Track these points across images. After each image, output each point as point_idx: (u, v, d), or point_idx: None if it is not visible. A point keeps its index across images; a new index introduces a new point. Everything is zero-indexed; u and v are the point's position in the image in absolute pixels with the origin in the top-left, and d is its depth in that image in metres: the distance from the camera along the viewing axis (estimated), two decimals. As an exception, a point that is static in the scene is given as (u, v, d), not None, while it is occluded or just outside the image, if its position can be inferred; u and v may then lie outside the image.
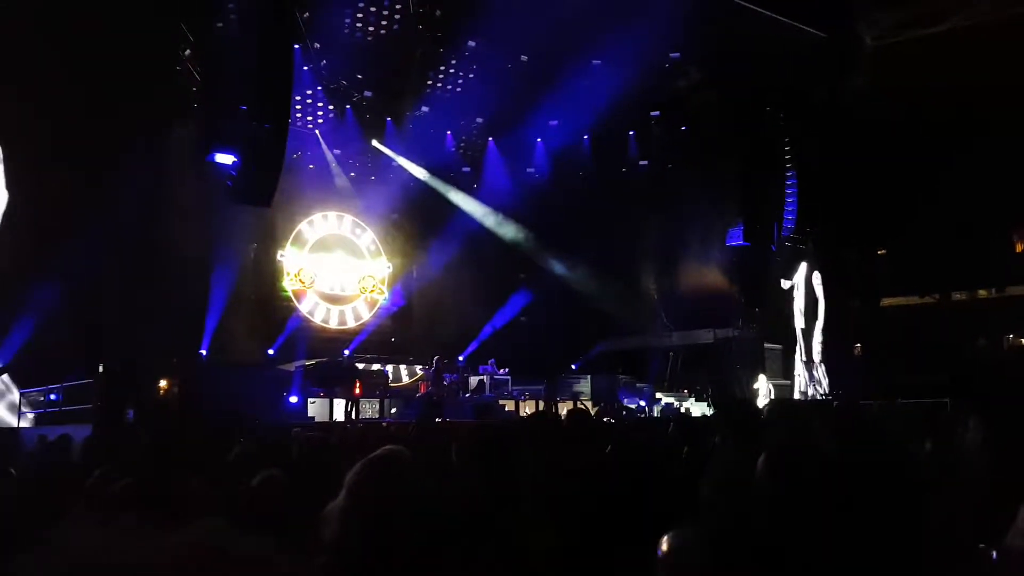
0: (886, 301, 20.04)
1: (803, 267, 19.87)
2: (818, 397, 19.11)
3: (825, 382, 19.67)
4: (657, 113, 20.87)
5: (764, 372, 18.96)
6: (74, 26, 12.49)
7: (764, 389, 18.78)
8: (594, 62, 18.59)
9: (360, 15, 17.78)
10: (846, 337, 19.97)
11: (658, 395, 19.45)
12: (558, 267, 20.86)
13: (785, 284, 19.78)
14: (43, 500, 3.48)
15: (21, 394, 12.34)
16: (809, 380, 19.64)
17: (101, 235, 12.53)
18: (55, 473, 4.21)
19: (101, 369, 9.93)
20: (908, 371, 15.14)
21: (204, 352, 15.38)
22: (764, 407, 4.45)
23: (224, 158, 16.27)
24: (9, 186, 12.60)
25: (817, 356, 19.48)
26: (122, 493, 3.02)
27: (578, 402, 17.82)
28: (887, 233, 19.22)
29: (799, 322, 19.78)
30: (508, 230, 21.63)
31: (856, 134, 17.55)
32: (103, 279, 12.38)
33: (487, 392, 18.51)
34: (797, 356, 19.75)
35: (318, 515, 2.24)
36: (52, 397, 11.81)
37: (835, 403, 18.76)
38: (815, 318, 19.84)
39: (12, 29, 11.92)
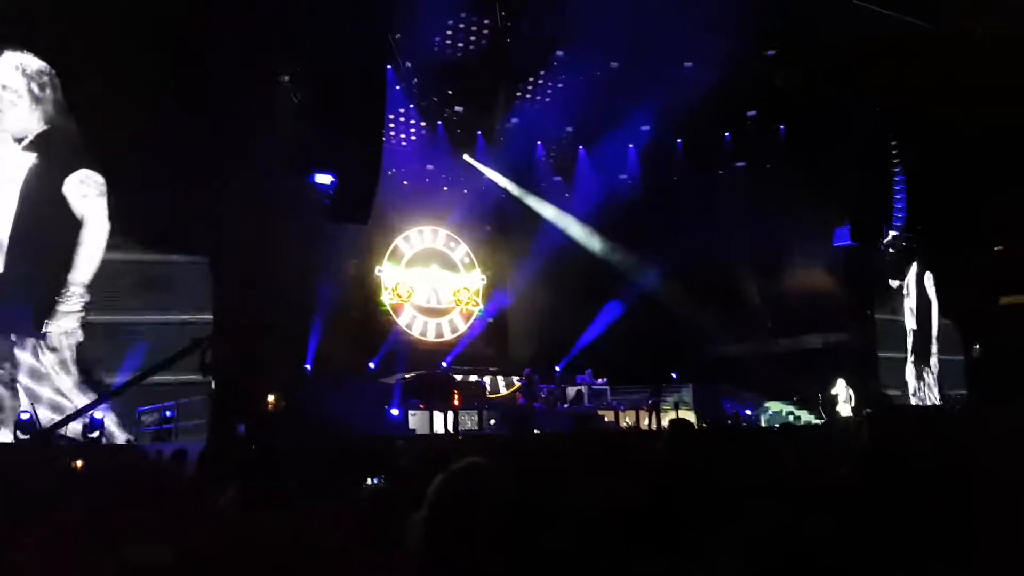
0: (1005, 300, 18.84)
1: (914, 267, 18.91)
2: (930, 402, 18.13)
3: (936, 388, 18.66)
4: (754, 113, 20.30)
5: (844, 376, 17.98)
6: (177, 59, 13.02)
7: (844, 395, 17.87)
8: (685, 64, 18.26)
9: (450, 33, 18.05)
10: (963, 338, 18.87)
11: (765, 403, 18.82)
12: (655, 274, 20.48)
13: (893, 284, 18.86)
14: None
15: (139, 411, 12.93)
16: (920, 385, 18.66)
17: (206, 255, 13.05)
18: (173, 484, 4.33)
19: (213, 386, 10.29)
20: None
21: (309, 367, 15.79)
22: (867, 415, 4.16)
23: (323, 178, 16.81)
24: (112, 215, 13.20)
25: (933, 360, 18.48)
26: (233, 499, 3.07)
27: (678, 411, 17.45)
28: (1003, 229, 18.09)
29: (910, 323, 18.82)
30: (599, 242, 21.41)
31: (966, 127, 16.61)
32: (213, 298, 12.86)
33: (585, 402, 18.33)
34: (908, 360, 18.79)
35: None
36: (167, 414, 12.32)
37: (955, 407, 17.76)
38: (928, 320, 18.84)
39: (113, 56, 12.45)
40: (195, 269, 13.47)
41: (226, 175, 13.08)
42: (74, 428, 10.72)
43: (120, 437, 11.84)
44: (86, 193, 12.74)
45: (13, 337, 11.98)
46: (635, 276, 20.85)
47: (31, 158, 12.52)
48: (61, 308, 12.31)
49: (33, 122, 12.69)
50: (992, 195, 16.91)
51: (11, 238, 12.29)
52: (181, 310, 13.21)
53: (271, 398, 11.76)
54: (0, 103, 12.40)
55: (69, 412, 10.44)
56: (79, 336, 12.27)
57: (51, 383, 12.02)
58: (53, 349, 12.10)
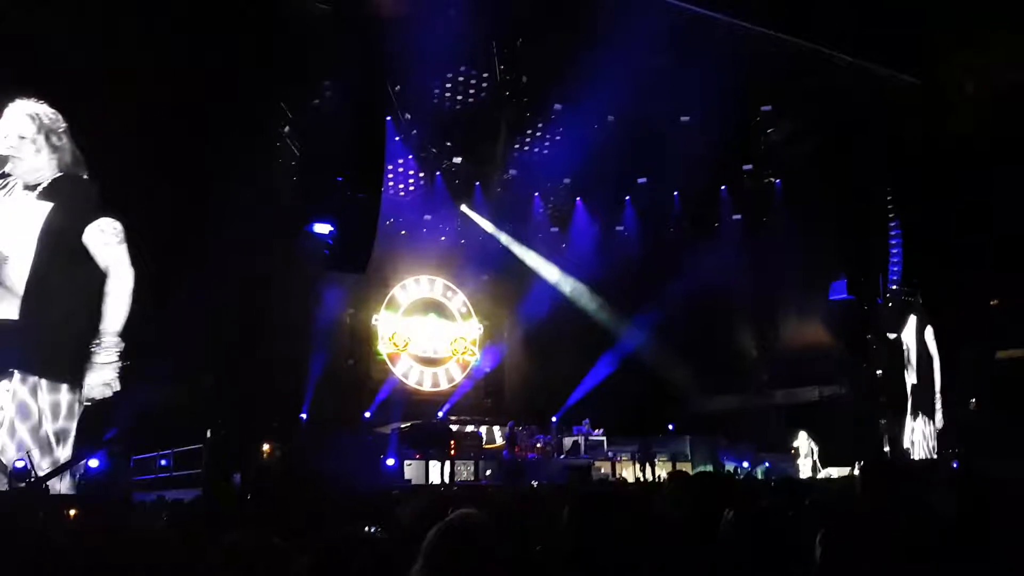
0: (1001, 354, 18.82)
1: (912, 320, 18.93)
2: (927, 455, 17.99)
3: (935, 442, 18.52)
4: (750, 167, 20.55)
5: (807, 429, 17.85)
6: (180, 107, 13.18)
7: (805, 448, 17.68)
8: (682, 119, 18.54)
9: (449, 85, 18.32)
10: (960, 391, 18.81)
11: (761, 455, 18.66)
12: (651, 326, 20.48)
13: (891, 336, 18.84)
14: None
15: (133, 460, 12.77)
16: (921, 440, 18.51)
17: (203, 305, 13.03)
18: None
19: (208, 435, 10.20)
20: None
21: (304, 415, 15.67)
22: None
23: (322, 227, 16.88)
24: (134, 261, 13.23)
25: (938, 415, 18.37)
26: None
27: (675, 464, 17.31)
28: (1000, 282, 18.17)
29: (911, 378, 18.75)
30: (593, 297, 21.42)
31: (961, 180, 16.82)
32: (208, 347, 12.79)
33: (582, 453, 18.19)
34: (908, 415, 18.66)
35: None
36: (163, 463, 12.18)
37: (952, 462, 17.61)
38: (930, 375, 18.78)
39: (120, 106, 12.61)
40: (192, 314, 13.42)
41: (225, 223, 13.13)
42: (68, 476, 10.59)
43: (114, 486, 11.65)
44: (107, 241, 12.77)
45: (34, 382, 11.89)
46: (630, 328, 20.82)
47: (47, 207, 12.59)
48: (97, 360, 12.24)
49: (47, 170, 12.80)
50: (988, 248, 17.03)
51: (28, 285, 12.27)
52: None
53: (266, 447, 11.64)
54: (16, 151, 12.50)
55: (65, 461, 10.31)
56: (117, 386, 12.21)
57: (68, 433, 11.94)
58: (90, 400, 12.03)
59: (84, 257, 12.55)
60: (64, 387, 11.78)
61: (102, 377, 11.89)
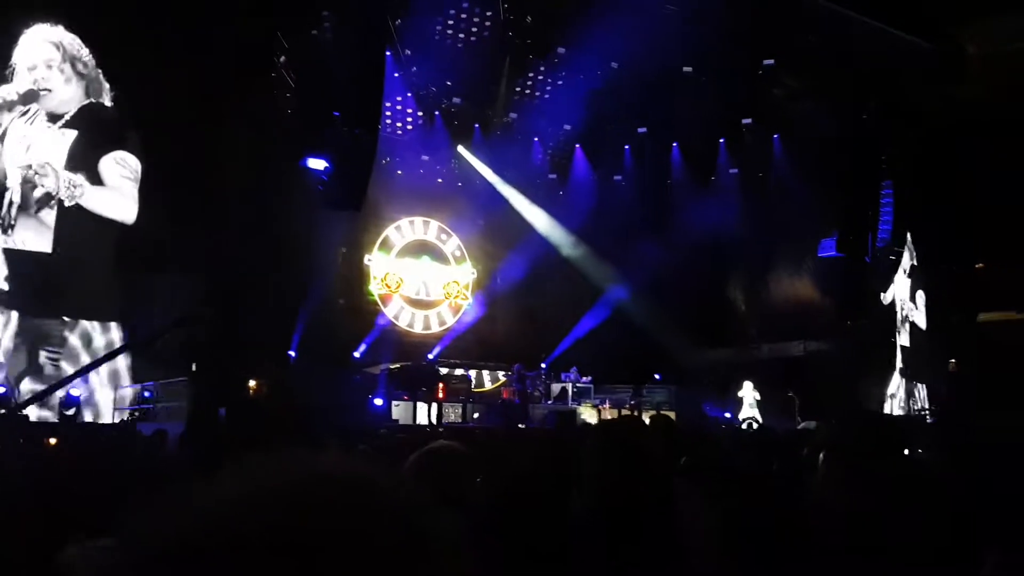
0: (983, 316, 18.97)
1: (907, 283, 19.00)
2: (916, 413, 18.25)
3: (923, 396, 18.77)
4: (749, 121, 20.35)
5: (750, 380, 17.95)
6: (179, 38, 12.94)
7: (749, 398, 17.78)
8: (685, 69, 18.28)
9: (451, 22, 17.99)
10: (943, 352, 19.01)
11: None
12: (643, 278, 20.52)
13: (886, 298, 18.91)
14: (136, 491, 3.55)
15: (117, 390, 12.85)
16: (908, 400, 18.75)
17: (197, 238, 12.98)
18: (151, 467, 4.31)
19: (194, 368, 10.24)
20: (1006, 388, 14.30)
21: (293, 353, 15.73)
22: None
23: (316, 163, 16.73)
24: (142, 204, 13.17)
25: (923, 376, 18.57)
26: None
27: (660, 411, 17.51)
28: (986, 246, 18.23)
29: (902, 339, 18.91)
30: (586, 249, 21.35)
31: (957, 143, 16.74)
32: (203, 281, 12.79)
33: (570, 399, 18.40)
34: (896, 374, 18.87)
35: None
36: (146, 395, 12.24)
37: (928, 418, 17.89)
38: (919, 338, 18.94)
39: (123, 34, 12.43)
40: (186, 248, 13.39)
41: (220, 157, 13.01)
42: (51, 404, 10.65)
43: (96, 415, 11.76)
44: (124, 175, 12.75)
45: (67, 319, 11.93)
46: (622, 279, 20.86)
47: (71, 136, 12.49)
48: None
49: (75, 100, 12.68)
50: (977, 212, 17.04)
51: (58, 222, 12.27)
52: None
53: (253, 383, 11.71)
54: (46, 82, 12.34)
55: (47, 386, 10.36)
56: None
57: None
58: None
59: (99, 184, 12.54)
60: (98, 324, 11.88)
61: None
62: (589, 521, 2.34)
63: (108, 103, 12.97)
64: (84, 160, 12.69)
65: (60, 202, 12.41)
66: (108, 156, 12.74)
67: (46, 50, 12.41)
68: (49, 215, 12.41)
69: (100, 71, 12.83)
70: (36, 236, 12.33)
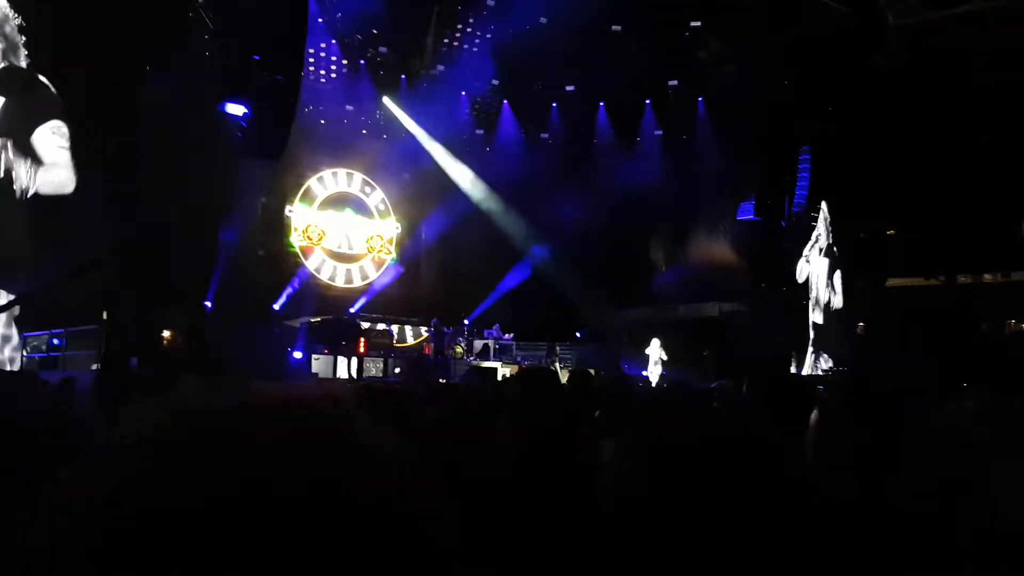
0: (892, 281, 19.86)
1: (815, 254, 19.63)
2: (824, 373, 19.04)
3: (830, 360, 19.56)
4: (675, 83, 20.58)
5: (658, 337, 18.50)
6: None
7: (655, 355, 18.19)
8: (614, 27, 18.30)
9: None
10: (852, 316, 19.83)
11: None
12: (567, 236, 20.70)
13: (799, 275, 19.47)
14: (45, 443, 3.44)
15: (24, 337, 12.33)
16: (817, 357, 19.49)
17: (112, 183, 12.45)
18: (58, 416, 4.17)
19: (105, 316, 9.90)
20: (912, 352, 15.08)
21: (209, 304, 15.35)
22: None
23: (235, 108, 16.16)
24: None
25: (832, 342, 19.31)
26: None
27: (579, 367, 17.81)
28: (898, 213, 19.01)
29: (814, 315, 19.53)
30: (509, 209, 21.35)
31: (874, 112, 17.30)
32: (110, 221, 12.30)
33: (491, 356, 18.55)
34: (810, 341, 19.52)
35: None
36: (55, 342, 11.80)
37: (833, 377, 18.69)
38: (829, 296, 19.62)
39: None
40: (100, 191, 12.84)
41: (133, 99, 12.45)
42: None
43: (4, 362, 11.30)
44: (60, 144, 12.10)
45: None
46: (546, 236, 21.00)
47: None
48: None
49: None
50: (888, 177, 17.68)
51: None
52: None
53: (167, 333, 11.40)
54: None
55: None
56: None
57: None
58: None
59: (32, 155, 11.90)
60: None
61: None
62: (512, 452, 2.43)
63: (24, 63, 12.24)
64: (12, 129, 11.97)
65: None
66: (44, 127, 12.07)
67: None
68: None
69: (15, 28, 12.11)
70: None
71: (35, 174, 12.12)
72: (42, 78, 12.10)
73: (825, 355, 19.24)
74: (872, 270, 19.31)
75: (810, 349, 19.31)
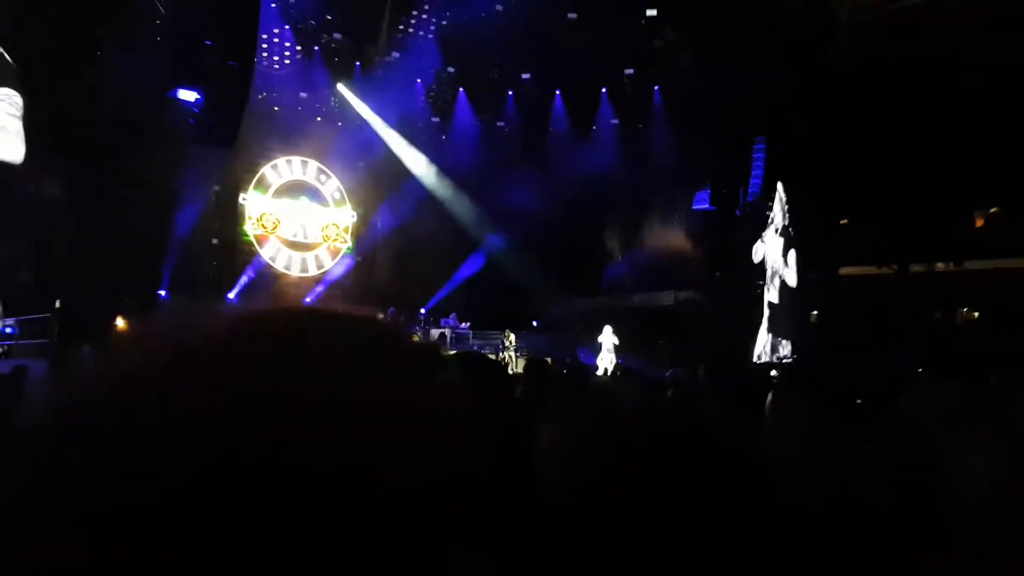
0: (844, 270, 20.30)
1: (772, 238, 19.96)
2: (778, 361, 19.38)
3: (788, 347, 19.90)
4: (631, 72, 20.72)
5: (610, 325, 18.45)
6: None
7: (608, 342, 18.30)
8: (569, 15, 18.37)
9: (332, -47, 17.31)
10: (804, 305, 20.23)
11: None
12: (522, 225, 20.77)
13: (756, 255, 19.76)
14: None
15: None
16: (771, 354, 19.80)
17: (64, 172, 12.16)
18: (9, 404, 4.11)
19: (58, 304, 9.70)
20: (866, 340, 15.47)
21: (163, 293, 15.10)
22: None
23: (187, 95, 15.88)
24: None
25: (784, 327, 19.64)
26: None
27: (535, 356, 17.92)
28: (851, 203, 19.40)
29: (769, 294, 19.86)
30: (463, 197, 21.34)
31: (828, 102, 17.62)
32: (63, 210, 12.03)
33: (448, 345, 18.57)
34: (764, 328, 19.85)
35: None
36: (7, 331, 11.52)
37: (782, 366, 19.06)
38: (787, 294, 19.96)
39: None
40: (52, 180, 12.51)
41: (88, 87, 12.15)
42: None
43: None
44: (10, 112, 11.64)
45: None
46: (501, 225, 21.04)
47: None
48: None
49: None
50: (841, 168, 18.04)
51: None
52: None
53: (120, 323, 11.19)
54: None
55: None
56: None
57: None
58: None
59: None
60: None
61: None
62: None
63: None
64: None
65: None
66: None
67: None
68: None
69: None
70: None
71: None
72: None
73: (783, 341, 19.56)
74: (825, 259, 19.67)
75: (764, 328, 19.59)
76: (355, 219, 21.68)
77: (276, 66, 19.37)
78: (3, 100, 11.59)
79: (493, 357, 17.73)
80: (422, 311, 20.09)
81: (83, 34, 12.41)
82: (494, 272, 20.68)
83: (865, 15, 17.36)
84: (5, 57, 11.48)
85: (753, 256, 19.45)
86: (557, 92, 21.35)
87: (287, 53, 19.29)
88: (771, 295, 19.76)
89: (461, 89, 21.40)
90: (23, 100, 11.74)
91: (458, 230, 21.30)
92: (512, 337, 18.62)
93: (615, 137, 21.50)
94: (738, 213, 19.48)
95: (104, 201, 12.19)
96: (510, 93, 21.50)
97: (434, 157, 21.47)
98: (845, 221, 19.68)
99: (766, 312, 19.66)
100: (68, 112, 11.97)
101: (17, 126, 11.71)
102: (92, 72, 12.30)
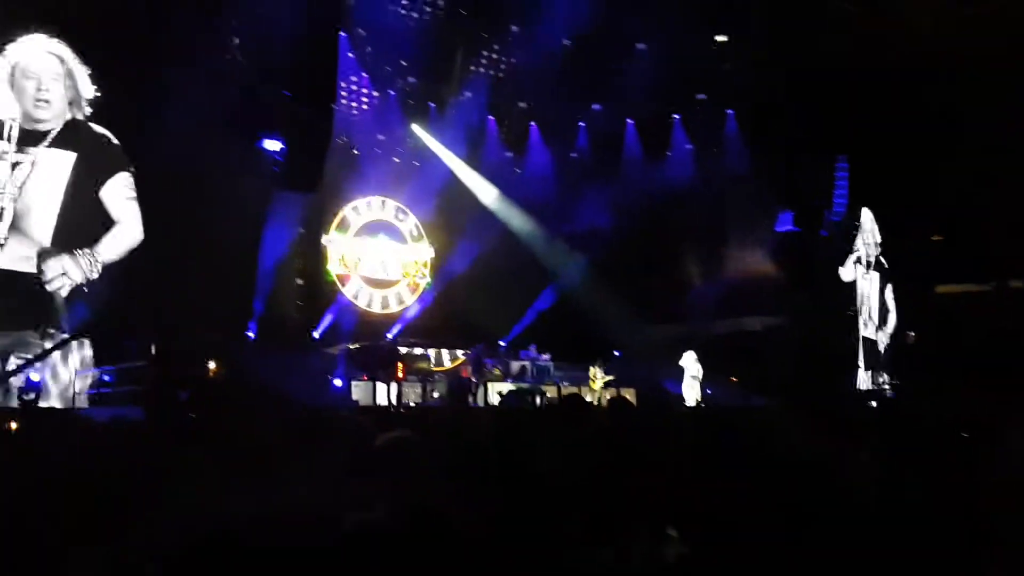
0: (940, 288, 19.46)
1: (860, 266, 19.27)
2: (876, 388, 18.64)
3: (886, 377, 19.11)
4: (703, 96, 20.58)
5: (691, 350, 17.88)
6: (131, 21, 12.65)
7: (692, 369, 17.71)
8: (638, 46, 18.42)
9: (404, 1, 17.84)
10: (903, 332, 19.44)
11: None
12: (601, 253, 20.70)
13: (846, 276, 19.10)
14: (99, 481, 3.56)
15: (76, 375, 12.64)
16: (872, 378, 19.03)
17: (154, 222, 12.77)
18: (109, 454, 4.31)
19: (153, 351, 10.16)
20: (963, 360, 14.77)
21: (251, 334, 15.64)
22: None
23: (271, 144, 16.57)
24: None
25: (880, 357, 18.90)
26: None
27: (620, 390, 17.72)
28: (943, 218, 18.66)
29: (867, 328, 19.11)
30: (540, 227, 21.42)
31: (911, 117, 17.09)
32: (157, 260, 12.62)
33: (528, 377, 18.54)
34: (861, 356, 19.09)
35: None
36: (105, 378, 12.08)
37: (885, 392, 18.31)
38: (883, 313, 19.24)
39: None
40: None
41: (174, 138, 12.79)
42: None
43: (56, 400, 11.57)
44: (128, 196, 12.18)
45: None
46: (580, 255, 21.03)
47: (69, 158, 11.84)
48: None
49: (61, 116, 12.00)
50: (932, 185, 17.41)
51: (54, 240, 11.66)
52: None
53: (212, 365, 11.64)
54: (47, 104, 11.68)
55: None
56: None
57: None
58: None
59: (100, 210, 12.01)
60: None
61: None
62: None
63: (83, 115, 12.33)
64: (87, 187, 11.99)
65: None
66: (112, 181, 12.14)
67: (48, 62, 11.80)
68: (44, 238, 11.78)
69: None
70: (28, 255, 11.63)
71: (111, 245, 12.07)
72: (104, 131, 12.19)
73: (883, 373, 18.80)
74: (920, 277, 18.84)
75: (862, 363, 18.85)
76: (433, 254, 22.04)
77: (354, 111, 20.01)
78: (123, 186, 12.08)
79: (575, 389, 17.64)
80: (501, 343, 20.19)
81: (171, 88, 13.03)
82: (573, 302, 20.62)
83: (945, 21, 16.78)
84: (112, 141, 12.03)
85: (841, 275, 18.73)
86: (629, 121, 21.35)
87: (364, 99, 19.91)
88: (868, 331, 18.97)
89: (533, 123, 21.64)
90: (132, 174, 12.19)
91: (535, 261, 21.39)
92: (599, 373, 18.14)
93: (690, 162, 21.33)
94: (823, 233, 18.95)
95: (192, 248, 12.75)
96: (582, 125, 21.60)
97: (508, 190, 21.69)
98: (939, 237, 18.89)
99: (862, 347, 18.87)
100: (157, 165, 12.58)
101: (135, 210, 12.17)
102: (180, 126, 12.90)
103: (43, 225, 11.56)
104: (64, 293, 11.25)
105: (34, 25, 11.71)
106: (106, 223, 11.86)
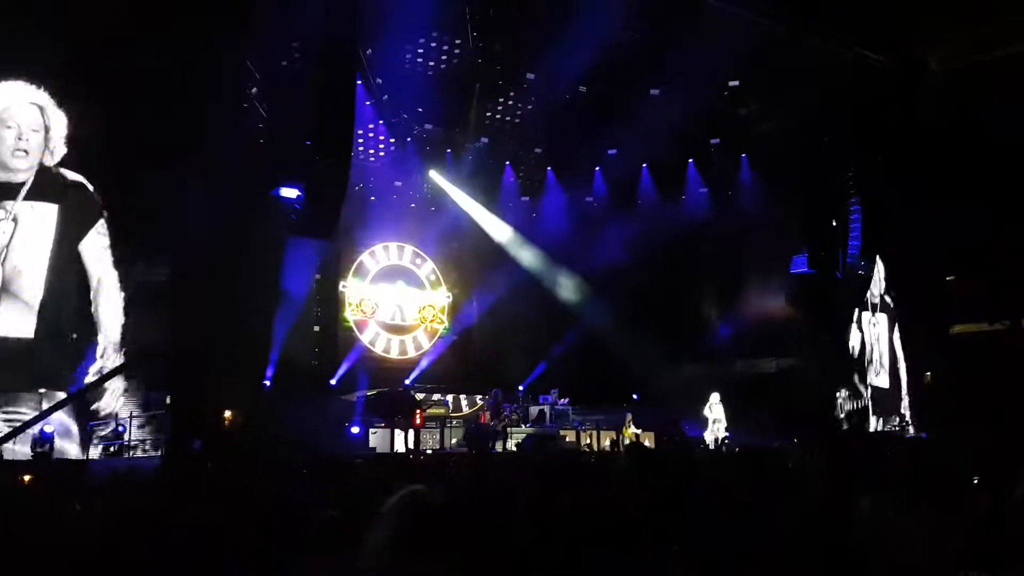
0: (956, 328, 19.31)
1: (870, 301, 19.22)
2: (892, 429, 18.44)
3: (896, 420, 18.92)
4: (717, 140, 20.70)
5: (717, 391, 17.69)
6: (146, 69, 12.90)
7: (717, 412, 17.39)
8: (652, 91, 18.60)
9: (421, 50, 18.14)
10: (916, 367, 19.28)
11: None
12: (618, 297, 20.66)
13: (853, 332, 19.03)
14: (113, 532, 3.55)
15: (90, 426, 12.69)
16: (886, 418, 18.84)
17: (169, 269, 12.90)
18: (125, 505, 4.32)
19: (168, 401, 10.18)
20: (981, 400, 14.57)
21: (268, 382, 15.65)
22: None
23: (288, 192, 16.73)
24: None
25: (903, 401, 18.70)
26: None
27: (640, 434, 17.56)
28: (956, 259, 18.57)
29: (878, 376, 18.95)
30: (558, 270, 21.47)
31: (922, 157, 17.11)
32: (172, 311, 12.71)
33: (547, 422, 18.42)
34: (869, 403, 18.91)
35: None
36: (120, 429, 12.10)
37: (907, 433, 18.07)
38: (896, 372, 19.08)
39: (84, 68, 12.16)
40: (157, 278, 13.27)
41: (191, 186, 12.97)
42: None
43: (71, 452, 11.60)
44: (104, 245, 12.19)
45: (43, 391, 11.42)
46: (597, 298, 21.00)
47: (50, 211, 11.81)
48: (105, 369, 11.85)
49: (34, 164, 11.96)
50: (946, 226, 17.35)
51: (44, 302, 11.65)
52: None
53: (228, 414, 11.64)
54: (17, 142, 11.71)
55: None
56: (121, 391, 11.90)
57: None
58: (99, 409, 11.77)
59: (80, 265, 11.98)
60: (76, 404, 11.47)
61: (112, 386, 11.59)
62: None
63: (55, 162, 12.16)
64: (70, 242, 11.92)
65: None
66: (91, 233, 12.10)
67: (28, 113, 11.75)
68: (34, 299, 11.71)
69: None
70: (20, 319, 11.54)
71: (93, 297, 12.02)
72: (78, 176, 12.15)
73: (893, 416, 18.66)
74: (934, 317, 18.78)
75: (871, 409, 18.73)
76: (450, 299, 22.11)
77: (372, 158, 20.28)
78: (99, 234, 11.86)
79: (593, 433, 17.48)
80: (520, 388, 20.10)
81: (191, 138, 13.24)
82: (592, 345, 20.54)
83: (956, 65, 16.88)
84: (87, 187, 11.72)
85: (849, 340, 18.72)
86: (644, 165, 21.48)
87: (381, 146, 20.18)
88: (879, 380, 18.80)
89: (549, 168, 21.80)
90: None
91: (553, 305, 21.38)
92: (631, 427, 17.94)
93: (705, 205, 21.38)
94: (839, 275, 18.87)
95: (209, 295, 12.84)
96: (597, 169, 21.75)
97: (526, 234, 21.80)
98: (951, 278, 18.79)
99: (869, 393, 18.75)
100: (174, 213, 12.73)
101: (110, 262, 12.07)
102: (199, 174, 13.08)
103: (33, 286, 11.38)
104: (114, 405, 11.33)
105: (14, 73, 11.54)
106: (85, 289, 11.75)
